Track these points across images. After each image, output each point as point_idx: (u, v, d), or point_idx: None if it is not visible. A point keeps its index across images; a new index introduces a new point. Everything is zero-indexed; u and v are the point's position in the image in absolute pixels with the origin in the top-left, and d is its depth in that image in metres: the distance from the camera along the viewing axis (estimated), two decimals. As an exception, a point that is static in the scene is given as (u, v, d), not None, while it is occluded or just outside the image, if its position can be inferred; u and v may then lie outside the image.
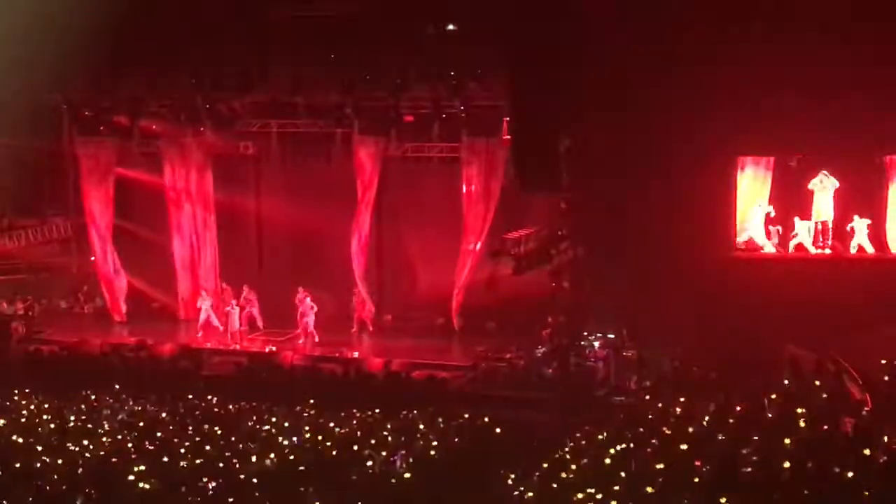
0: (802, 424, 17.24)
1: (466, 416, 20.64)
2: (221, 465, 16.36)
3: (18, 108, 28.39)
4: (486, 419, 20.49)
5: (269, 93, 28.81)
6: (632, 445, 16.64)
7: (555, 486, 14.82)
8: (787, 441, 15.90)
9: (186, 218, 30.14)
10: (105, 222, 30.67)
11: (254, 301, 29.05)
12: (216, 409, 21.95)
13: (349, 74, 27.70)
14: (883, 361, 20.48)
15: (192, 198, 30.00)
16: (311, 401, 22.00)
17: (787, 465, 14.47)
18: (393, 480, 15.87)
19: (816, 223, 25.85)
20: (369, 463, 16.49)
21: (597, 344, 24.36)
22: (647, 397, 21.95)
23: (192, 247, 30.19)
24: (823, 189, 25.71)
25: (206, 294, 29.16)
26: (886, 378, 20.10)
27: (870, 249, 25.60)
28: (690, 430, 17.73)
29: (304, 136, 29.97)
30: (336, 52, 28.01)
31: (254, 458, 16.68)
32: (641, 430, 18.02)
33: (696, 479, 14.27)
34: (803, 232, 26.00)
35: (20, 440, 18.12)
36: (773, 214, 26.21)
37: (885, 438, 16.05)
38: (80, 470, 16.05)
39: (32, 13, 24.69)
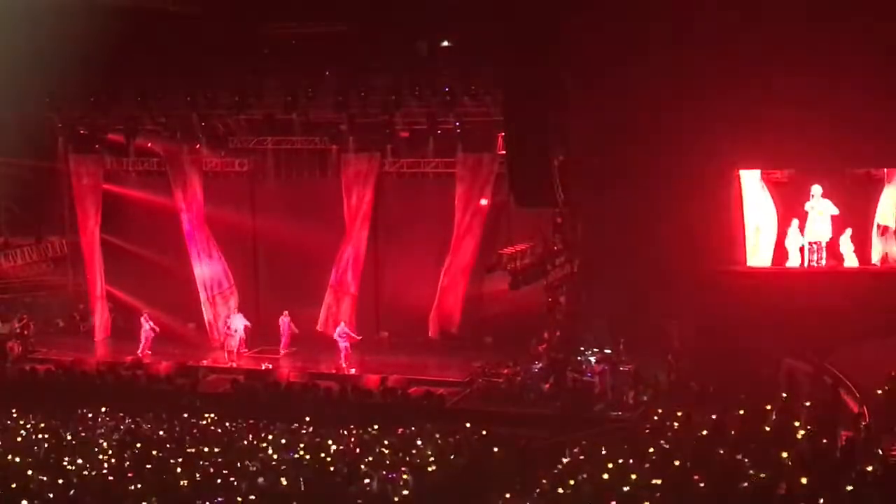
0: (800, 438, 17.26)
1: (464, 431, 20.61)
2: (219, 482, 16.34)
3: (14, 126, 28.43)
4: (484, 435, 20.47)
5: (263, 110, 28.85)
6: (630, 461, 16.62)
7: (553, 502, 14.80)
8: (784, 455, 15.92)
9: (183, 235, 30.07)
10: (97, 239, 30.79)
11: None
12: (213, 427, 21.92)
13: (343, 91, 27.75)
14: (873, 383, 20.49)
15: (188, 215, 29.94)
16: (308, 418, 21.98)
17: (784, 478, 14.48)
18: (392, 498, 15.85)
19: (810, 243, 25.65)
20: (367, 480, 16.46)
21: (593, 359, 24.32)
22: (644, 412, 21.95)
23: (188, 264, 30.12)
24: (815, 210, 25.55)
25: (146, 316, 28.94)
26: (883, 391, 20.11)
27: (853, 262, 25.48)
28: (688, 444, 17.73)
29: (300, 152, 30.01)
30: (330, 69, 28.07)
31: (251, 476, 16.64)
32: (639, 444, 18.02)
33: (695, 494, 14.26)
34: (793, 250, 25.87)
35: (16, 459, 18.09)
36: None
37: (880, 451, 16.08)
38: (76, 489, 16.03)
39: (28, 32, 24.72)
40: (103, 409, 23.42)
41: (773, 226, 25.94)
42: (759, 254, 26.01)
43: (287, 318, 28.08)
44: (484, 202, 27.59)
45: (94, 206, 30.80)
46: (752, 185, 26.00)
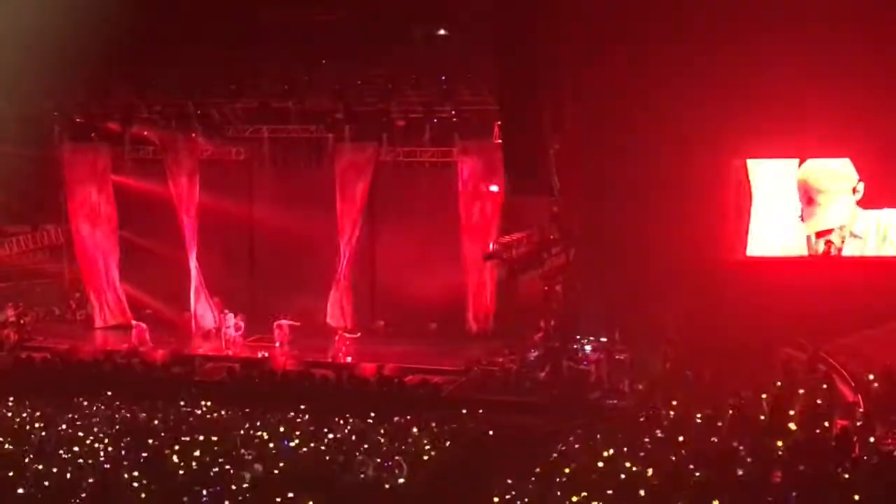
0: (795, 426, 17.30)
1: (460, 420, 20.63)
2: (215, 471, 16.35)
3: (9, 114, 28.37)
4: (480, 423, 20.49)
5: (260, 98, 28.79)
6: (625, 449, 16.66)
7: (548, 489, 14.83)
8: (779, 443, 15.97)
9: (178, 223, 30.04)
10: (98, 228, 30.78)
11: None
12: (209, 416, 21.92)
13: (340, 79, 27.70)
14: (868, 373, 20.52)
15: (183, 203, 29.91)
16: (304, 406, 22.00)
17: (778, 466, 14.53)
18: (387, 486, 15.88)
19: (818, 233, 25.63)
20: (363, 468, 16.48)
21: (589, 347, 24.37)
22: (640, 400, 21.99)
23: (184, 252, 30.09)
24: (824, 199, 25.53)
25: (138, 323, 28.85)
26: (876, 379, 20.17)
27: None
28: (683, 432, 17.77)
29: (296, 141, 29.98)
30: (327, 57, 28.01)
31: (247, 465, 16.65)
32: (634, 433, 18.05)
33: (690, 482, 14.30)
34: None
35: (12, 448, 18.10)
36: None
37: (873, 439, 16.14)
38: (72, 478, 16.04)
39: (23, 20, 24.65)
40: (100, 397, 23.40)
41: (779, 214, 25.96)
42: (763, 243, 26.02)
43: (285, 321, 27.92)
44: (494, 188, 27.56)
45: (92, 194, 30.78)
46: (762, 174, 25.97)
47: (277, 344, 27.47)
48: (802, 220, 25.81)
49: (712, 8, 23.45)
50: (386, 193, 29.61)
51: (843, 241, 25.55)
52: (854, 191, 25.35)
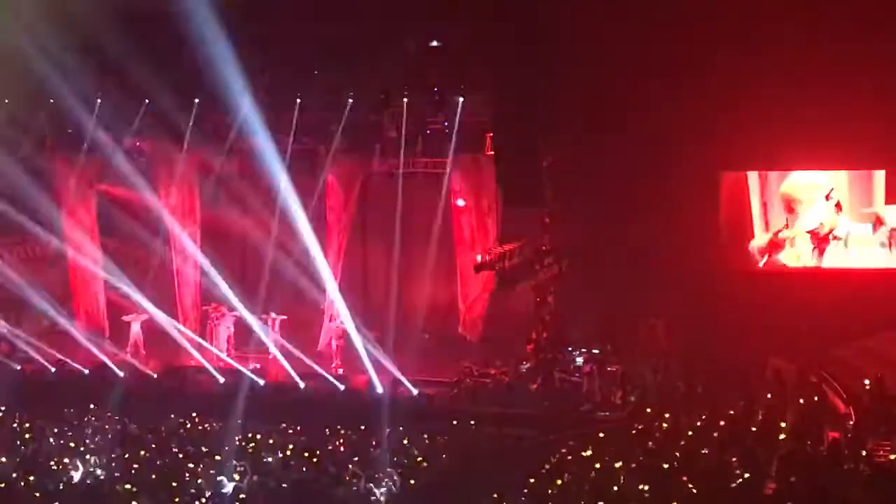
0: (786, 438, 17.34)
1: (452, 432, 20.62)
2: (206, 483, 16.34)
3: (0, 124, 28.34)
4: (472, 435, 20.49)
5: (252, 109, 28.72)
6: (617, 461, 16.67)
7: (540, 502, 14.84)
8: (771, 455, 16.00)
9: (172, 234, 30.00)
10: (87, 239, 30.71)
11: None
12: (200, 427, 21.88)
13: (333, 91, 27.69)
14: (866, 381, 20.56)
15: (177, 214, 29.86)
16: (296, 418, 21.97)
17: (771, 478, 14.56)
18: (379, 498, 15.88)
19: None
20: (355, 480, 16.48)
21: (581, 359, 24.38)
22: (632, 412, 22.01)
23: (178, 263, 30.07)
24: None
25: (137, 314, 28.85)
26: (867, 391, 20.22)
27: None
28: (675, 445, 17.80)
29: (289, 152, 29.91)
30: (320, 69, 28.01)
31: (238, 476, 16.64)
32: (626, 445, 18.08)
33: (682, 494, 14.32)
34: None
35: (2, 459, 18.06)
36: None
37: (864, 452, 16.18)
38: (64, 489, 16.02)
39: (16, 29, 24.65)
40: (91, 408, 23.35)
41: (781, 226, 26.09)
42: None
43: (274, 317, 27.90)
44: (461, 202, 27.54)
45: (81, 205, 30.75)
46: (767, 186, 26.08)
47: (271, 356, 27.44)
48: (787, 226, 25.93)
49: (707, 23, 23.52)
50: (378, 205, 29.58)
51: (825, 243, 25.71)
52: (827, 197, 25.45)
